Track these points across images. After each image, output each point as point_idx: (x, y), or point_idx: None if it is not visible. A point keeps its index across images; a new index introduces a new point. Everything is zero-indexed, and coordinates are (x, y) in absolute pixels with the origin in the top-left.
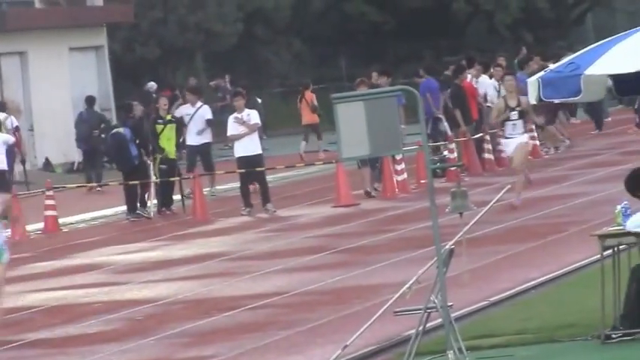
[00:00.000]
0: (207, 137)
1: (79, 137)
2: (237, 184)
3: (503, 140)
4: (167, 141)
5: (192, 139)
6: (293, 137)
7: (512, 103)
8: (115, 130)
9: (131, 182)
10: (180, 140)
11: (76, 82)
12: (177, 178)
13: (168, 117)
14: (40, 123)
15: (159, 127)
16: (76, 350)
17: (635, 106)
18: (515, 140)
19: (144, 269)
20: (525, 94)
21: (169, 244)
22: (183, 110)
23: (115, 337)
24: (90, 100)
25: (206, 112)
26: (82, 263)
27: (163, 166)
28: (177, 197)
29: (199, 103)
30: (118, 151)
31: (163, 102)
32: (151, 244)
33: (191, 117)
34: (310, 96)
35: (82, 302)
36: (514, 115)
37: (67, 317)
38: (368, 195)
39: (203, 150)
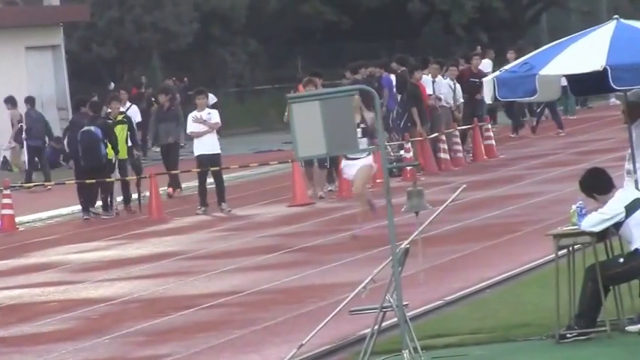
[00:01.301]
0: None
1: (31, 137)
2: (191, 184)
3: (344, 161)
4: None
5: None
6: (248, 137)
7: (356, 119)
8: (86, 128)
9: (88, 181)
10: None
11: (33, 82)
12: (133, 178)
13: (119, 117)
14: None
15: None
16: (32, 349)
17: (538, 109)
18: (358, 162)
19: (99, 268)
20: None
21: (125, 243)
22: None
23: (70, 336)
24: (32, 101)
25: (134, 113)
26: (38, 262)
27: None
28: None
29: (128, 104)
30: (87, 149)
31: (115, 105)
32: (107, 243)
33: None
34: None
35: (37, 301)
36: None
37: (23, 316)
38: (320, 198)
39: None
